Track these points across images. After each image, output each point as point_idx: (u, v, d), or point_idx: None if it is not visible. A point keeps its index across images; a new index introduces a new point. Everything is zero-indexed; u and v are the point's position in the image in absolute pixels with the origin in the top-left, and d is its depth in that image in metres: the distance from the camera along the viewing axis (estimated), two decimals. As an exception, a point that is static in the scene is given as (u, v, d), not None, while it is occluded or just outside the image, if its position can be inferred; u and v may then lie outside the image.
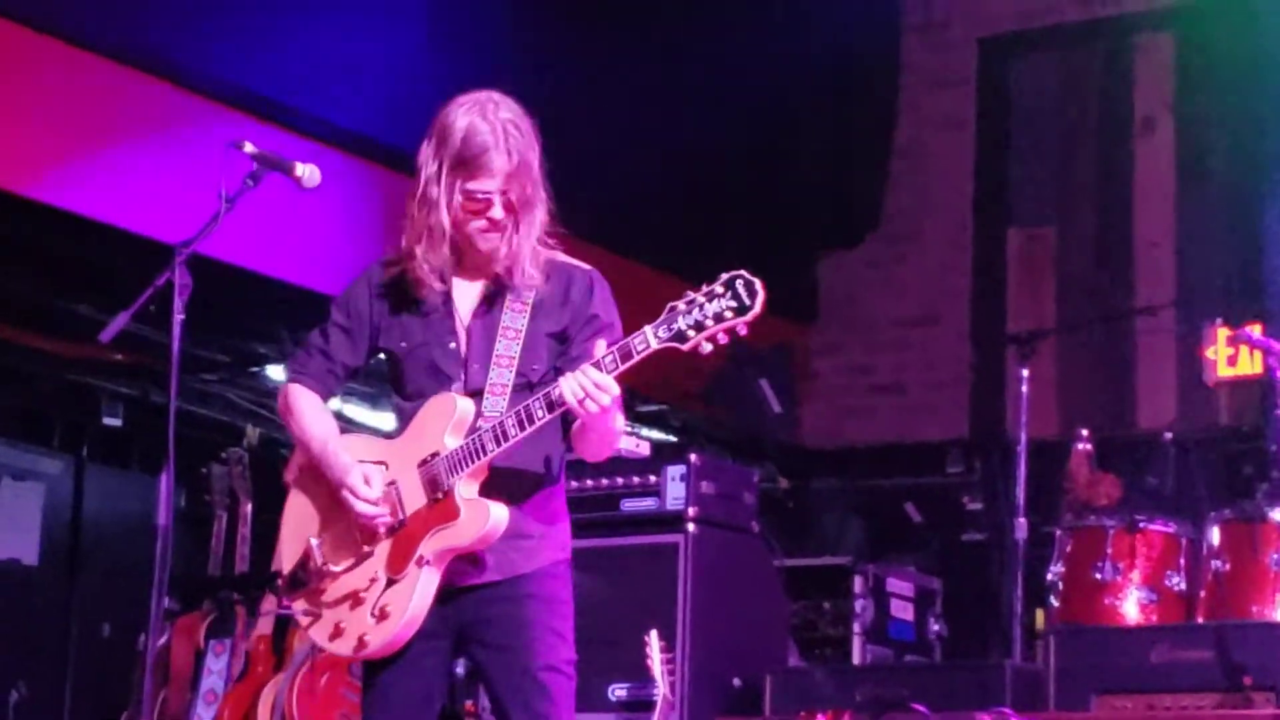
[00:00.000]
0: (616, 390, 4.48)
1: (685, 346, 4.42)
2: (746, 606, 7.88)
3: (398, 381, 4.84)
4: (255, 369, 10.11)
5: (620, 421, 4.69)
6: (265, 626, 8.58)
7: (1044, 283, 10.95)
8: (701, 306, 4.40)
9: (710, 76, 10.15)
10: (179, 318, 4.81)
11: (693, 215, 10.04)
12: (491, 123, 4.66)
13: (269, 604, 8.58)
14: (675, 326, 4.42)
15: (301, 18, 8.45)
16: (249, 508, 8.91)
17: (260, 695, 8.38)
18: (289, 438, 9.70)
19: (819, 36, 10.71)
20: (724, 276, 4.41)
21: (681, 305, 4.43)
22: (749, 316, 4.38)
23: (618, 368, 4.48)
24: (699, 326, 4.40)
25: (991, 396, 10.80)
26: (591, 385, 4.45)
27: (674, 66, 10.01)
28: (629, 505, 7.82)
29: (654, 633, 6.88)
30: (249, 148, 4.93)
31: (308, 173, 4.98)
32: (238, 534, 8.90)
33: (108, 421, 9.89)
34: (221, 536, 8.97)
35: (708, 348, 4.43)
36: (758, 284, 4.39)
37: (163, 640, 8.70)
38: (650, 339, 4.45)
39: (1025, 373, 8.40)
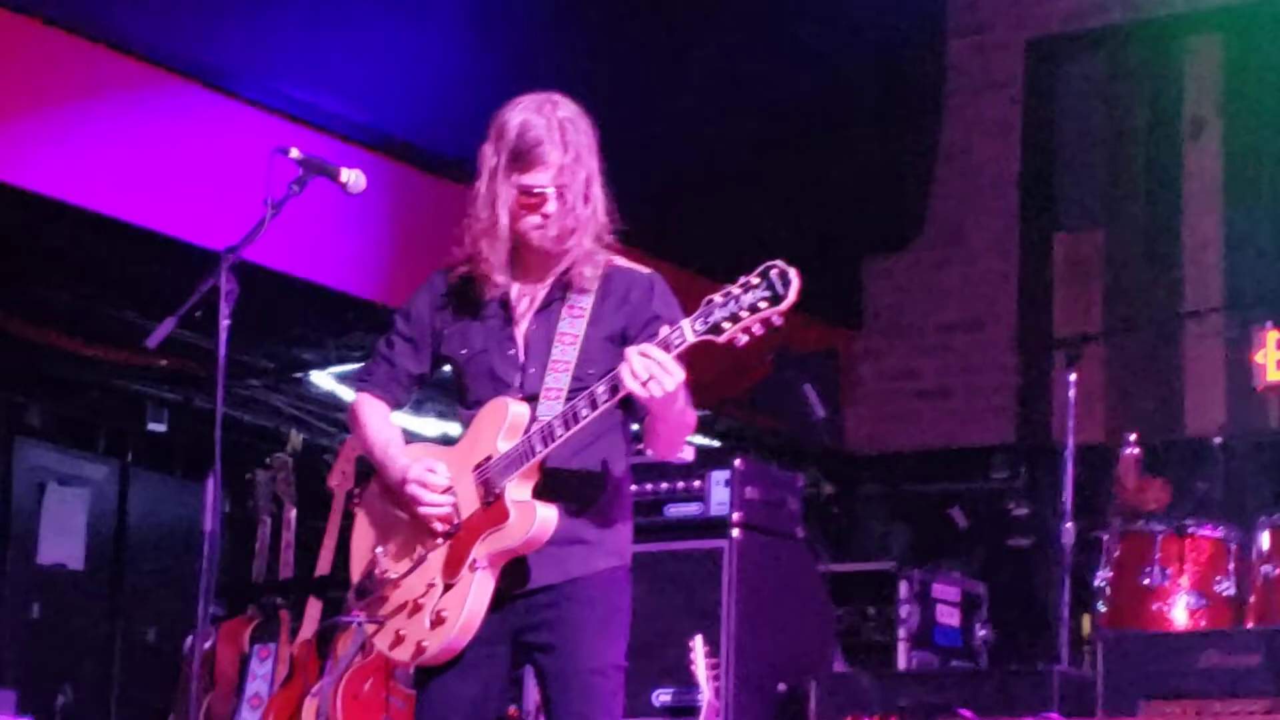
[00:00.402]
0: (681, 373, 4.45)
1: (721, 339, 4.42)
2: (791, 612, 7.85)
3: (461, 390, 4.86)
4: (299, 375, 10.14)
5: (691, 411, 4.66)
6: (309, 631, 8.59)
7: (1091, 287, 10.88)
8: (737, 299, 4.40)
9: (755, 80, 10.13)
10: (225, 323, 4.82)
11: (737, 220, 10.01)
12: (547, 118, 4.70)
13: (314, 611, 8.60)
14: (711, 319, 4.42)
15: (346, 23, 8.45)
16: (293, 513, 8.93)
17: (305, 700, 8.39)
18: (333, 443, 9.75)
19: (864, 39, 10.67)
20: (759, 268, 4.41)
21: (718, 298, 4.43)
22: (783, 306, 4.37)
23: None
24: (734, 318, 4.39)
25: (1038, 401, 10.76)
26: (656, 365, 4.43)
27: (717, 69, 9.98)
28: (673, 510, 7.80)
29: (699, 638, 6.88)
30: (295, 153, 4.95)
31: (353, 178, 4.99)
32: (282, 539, 8.91)
33: (152, 427, 9.94)
34: (266, 542, 9.00)
35: (743, 339, 4.42)
36: (792, 273, 4.37)
37: (207, 645, 8.72)
38: (687, 332, 4.44)
39: (1072, 377, 8.35)
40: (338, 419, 10.24)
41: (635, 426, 4.84)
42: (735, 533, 7.65)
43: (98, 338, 9.30)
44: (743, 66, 10.10)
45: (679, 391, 4.50)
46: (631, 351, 4.45)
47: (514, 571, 4.67)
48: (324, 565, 8.73)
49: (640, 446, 4.86)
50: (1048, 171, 11.13)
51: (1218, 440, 8.29)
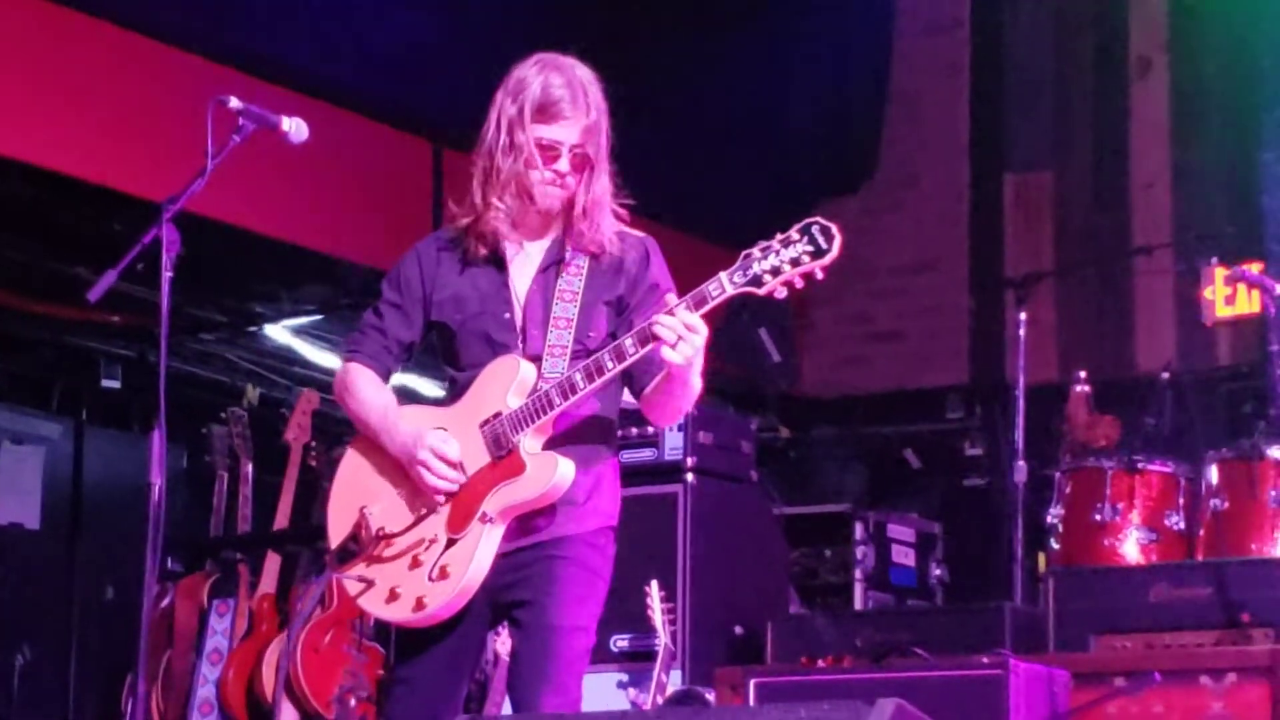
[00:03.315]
0: (705, 332, 4.47)
1: (761, 291, 4.44)
2: (747, 555, 7.89)
3: (451, 354, 4.82)
4: (254, 329, 10.12)
5: (699, 381, 4.65)
6: (268, 585, 8.61)
7: (1041, 227, 10.92)
8: (777, 252, 4.43)
9: (705, 26, 10.10)
10: (167, 275, 4.79)
11: (689, 166, 10.00)
12: (569, 77, 4.71)
13: (273, 565, 8.62)
14: (751, 271, 4.44)
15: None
16: (250, 467, 8.93)
17: (264, 654, 8.41)
18: (289, 397, 9.75)
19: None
20: (799, 224, 4.45)
21: (756, 252, 4.45)
22: (826, 260, 4.42)
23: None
24: (775, 271, 4.43)
25: (990, 342, 10.79)
26: (682, 327, 4.44)
27: (668, 16, 9.95)
28: (627, 456, 7.72)
29: (654, 583, 6.90)
30: (234, 103, 4.92)
31: (293, 127, 4.97)
32: (239, 494, 8.92)
33: (106, 384, 9.88)
34: (223, 496, 9.00)
35: (783, 292, 4.45)
36: (834, 228, 4.43)
37: (166, 601, 8.73)
38: (726, 284, 4.46)
39: (1023, 316, 8.42)
40: (294, 373, 10.23)
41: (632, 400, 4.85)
42: (689, 478, 7.69)
43: (47, 295, 9.26)
44: (693, 12, 10.06)
45: (699, 355, 4.52)
46: (662, 319, 4.45)
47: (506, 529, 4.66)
48: (282, 519, 8.75)
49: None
50: (997, 113, 11.15)
51: (1166, 376, 8.33)
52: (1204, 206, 10.18)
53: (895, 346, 11.28)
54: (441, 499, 4.66)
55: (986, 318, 10.89)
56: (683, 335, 4.44)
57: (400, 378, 5.05)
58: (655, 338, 4.46)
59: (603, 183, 4.71)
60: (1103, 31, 10.82)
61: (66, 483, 9.85)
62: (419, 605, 4.63)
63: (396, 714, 4.77)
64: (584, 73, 4.74)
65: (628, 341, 4.52)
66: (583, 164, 4.69)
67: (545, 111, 4.66)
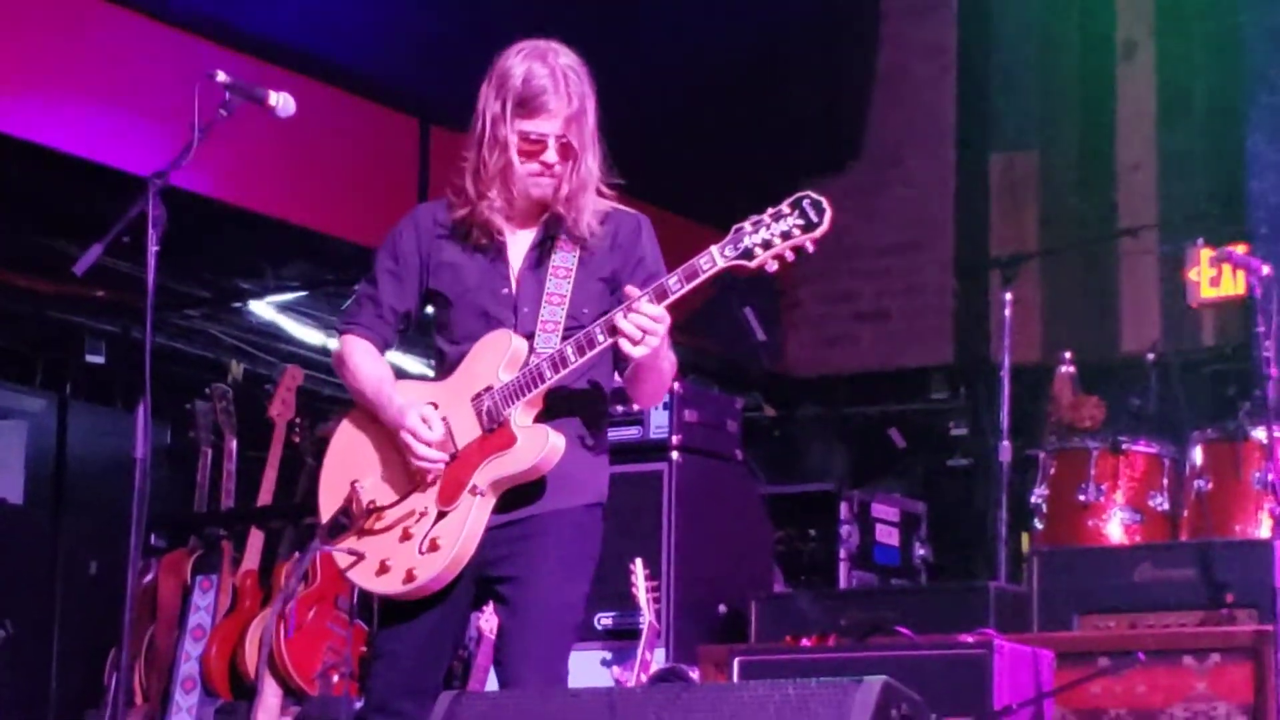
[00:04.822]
0: (668, 321, 4.49)
1: (753, 264, 4.46)
2: (731, 534, 7.89)
3: (445, 325, 4.82)
4: (238, 304, 10.12)
5: (671, 360, 4.68)
6: (251, 562, 8.60)
7: (1027, 207, 10.93)
8: (768, 226, 4.45)
9: (692, 5, 10.09)
10: (153, 249, 4.79)
11: (674, 145, 9.99)
12: (551, 66, 4.68)
13: (256, 542, 8.61)
14: (742, 245, 4.46)
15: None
16: (234, 443, 8.92)
17: (247, 630, 8.40)
18: (273, 373, 9.76)
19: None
20: (790, 198, 4.46)
21: (747, 225, 4.47)
22: (817, 233, 4.43)
23: (683, 288, 4.50)
24: (767, 245, 4.45)
25: (975, 322, 10.80)
26: (648, 321, 4.46)
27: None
28: (612, 434, 7.62)
29: (639, 561, 6.90)
30: (222, 77, 4.92)
31: (280, 101, 4.98)
32: (223, 470, 8.91)
33: (90, 359, 9.88)
34: (206, 472, 8.98)
35: (774, 266, 4.47)
36: (825, 202, 4.44)
37: (149, 577, 8.72)
38: (716, 258, 4.47)
39: (1008, 297, 8.43)
40: (278, 349, 10.23)
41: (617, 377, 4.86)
42: (674, 456, 7.68)
43: (33, 269, 9.25)
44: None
45: (663, 343, 4.54)
46: (622, 314, 4.48)
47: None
48: (265, 495, 8.74)
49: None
50: (983, 93, 11.15)
51: (1151, 357, 8.34)
52: (1189, 188, 10.20)
53: (880, 326, 11.29)
54: (430, 476, 4.66)
55: (972, 298, 10.90)
56: (648, 329, 4.47)
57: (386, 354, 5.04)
58: (618, 332, 4.49)
59: (587, 167, 4.70)
60: (1089, 13, 10.82)
61: (50, 458, 9.83)
62: (409, 577, 4.63)
63: (378, 688, 4.77)
64: (567, 59, 4.72)
65: (618, 315, 4.53)
66: (569, 152, 4.69)
67: (527, 105, 4.65)
